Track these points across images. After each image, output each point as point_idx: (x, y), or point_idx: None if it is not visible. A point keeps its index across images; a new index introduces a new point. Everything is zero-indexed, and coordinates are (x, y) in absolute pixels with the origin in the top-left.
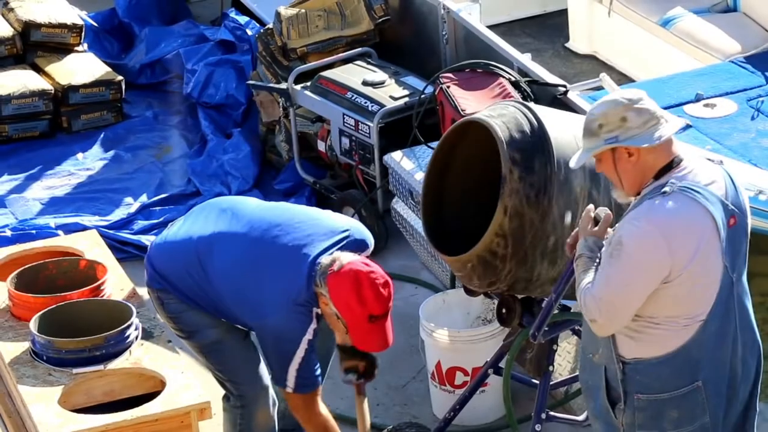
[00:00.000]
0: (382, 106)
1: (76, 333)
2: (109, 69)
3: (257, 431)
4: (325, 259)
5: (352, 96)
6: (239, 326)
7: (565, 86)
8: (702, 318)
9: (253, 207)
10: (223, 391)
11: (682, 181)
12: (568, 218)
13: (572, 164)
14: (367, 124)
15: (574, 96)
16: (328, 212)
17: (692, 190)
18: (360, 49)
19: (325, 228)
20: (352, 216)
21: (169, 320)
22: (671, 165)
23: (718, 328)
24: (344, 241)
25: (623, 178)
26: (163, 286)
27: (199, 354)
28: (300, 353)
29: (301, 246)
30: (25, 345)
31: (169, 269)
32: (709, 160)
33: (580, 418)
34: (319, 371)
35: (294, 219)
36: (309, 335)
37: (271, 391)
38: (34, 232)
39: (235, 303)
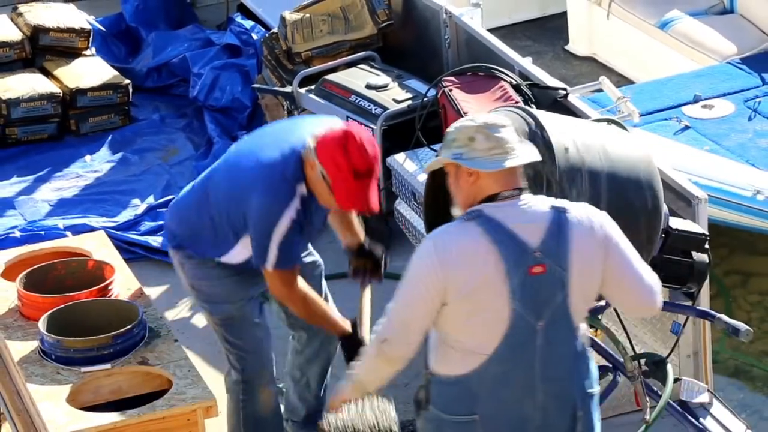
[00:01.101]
0: (385, 109)
1: (83, 332)
2: (116, 73)
3: (260, 407)
4: (315, 134)
5: (356, 99)
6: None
7: (565, 89)
8: (485, 353)
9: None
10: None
11: (488, 213)
12: None
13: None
14: (370, 127)
15: (574, 99)
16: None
17: (489, 225)
18: (363, 52)
19: (310, 124)
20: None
21: (191, 288)
22: (498, 195)
23: (503, 370)
24: None
25: (459, 194)
26: (178, 242)
27: (212, 324)
28: (282, 229)
29: (289, 136)
30: (34, 344)
31: (182, 221)
32: (553, 207)
33: None
34: (300, 254)
35: (280, 127)
36: (292, 211)
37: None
38: (42, 233)
39: (232, 203)
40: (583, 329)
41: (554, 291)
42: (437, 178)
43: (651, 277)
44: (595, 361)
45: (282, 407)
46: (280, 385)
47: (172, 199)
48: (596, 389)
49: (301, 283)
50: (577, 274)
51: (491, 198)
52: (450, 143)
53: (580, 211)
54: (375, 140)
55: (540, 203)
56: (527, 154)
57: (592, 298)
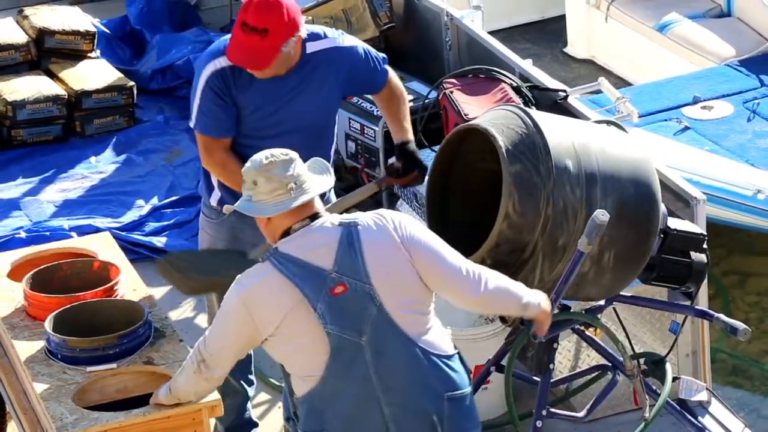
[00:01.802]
0: None
1: (89, 332)
2: (121, 75)
3: None
4: None
5: (358, 101)
6: None
7: (565, 91)
8: (316, 374)
9: None
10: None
11: (281, 250)
12: (568, 219)
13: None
14: (372, 128)
15: (573, 100)
16: None
17: (282, 260)
18: None
19: None
20: None
21: (199, 236)
22: (290, 229)
23: (339, 387)
24: None
25: (263, 232)
26: (201, 192)
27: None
28: (200, 87)
29: None
30: (40, 344)
31: (200, 171)
32: (341, 223)
33: (581, 414)
34: (226, 129)
35: None
36: (211, 67)
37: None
38: (48, 233)
39: None
40: (434, 333)
41: (364, 305)
42: (439, 179)
43: (471, 267)
44: (463, 362)
45: (282, 405)
46: (278, 383)
47: (177, 200)
48: (462, 391)
49: (227, 155)
50: (381, 282)
51: (286, 233)
52: (244, 183)
53: (370, 220)
54: (286, 6)
55: (330, 223)
56: (313, 188)
57: (416, 299)
